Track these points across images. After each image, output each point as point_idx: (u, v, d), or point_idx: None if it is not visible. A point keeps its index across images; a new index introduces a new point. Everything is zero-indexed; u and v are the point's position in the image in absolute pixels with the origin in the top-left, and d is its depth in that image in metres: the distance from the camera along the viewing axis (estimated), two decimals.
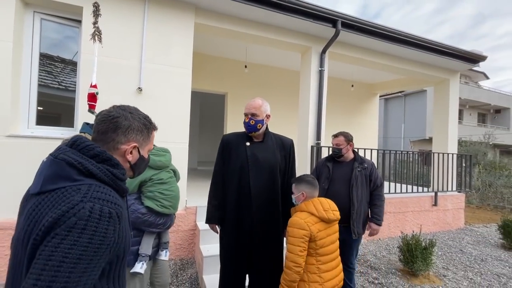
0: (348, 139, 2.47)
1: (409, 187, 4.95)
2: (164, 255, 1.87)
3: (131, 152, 0.91)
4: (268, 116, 1.93)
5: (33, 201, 0.74)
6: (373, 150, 4.53)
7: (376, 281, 3.11)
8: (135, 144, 0.91)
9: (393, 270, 3.40)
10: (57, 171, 0.76)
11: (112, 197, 0.77)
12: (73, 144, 0.81)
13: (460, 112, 20.54)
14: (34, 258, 0.65)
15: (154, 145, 1.95)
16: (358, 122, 7.75)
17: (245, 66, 5.72)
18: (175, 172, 1.93)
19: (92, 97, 2.36)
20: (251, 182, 1.85)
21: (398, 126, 19.31)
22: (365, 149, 4.31)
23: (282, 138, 2.06)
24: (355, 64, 5.24)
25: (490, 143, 13.96)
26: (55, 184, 0.74)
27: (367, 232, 2.57)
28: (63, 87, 3.31)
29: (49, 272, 0.62)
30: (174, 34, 3.45)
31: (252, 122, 1.85)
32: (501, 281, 3.25)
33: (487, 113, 22.52)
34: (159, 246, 1.94)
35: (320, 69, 4.38)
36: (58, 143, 2.91)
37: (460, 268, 3.58)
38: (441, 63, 5.45)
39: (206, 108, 8.92)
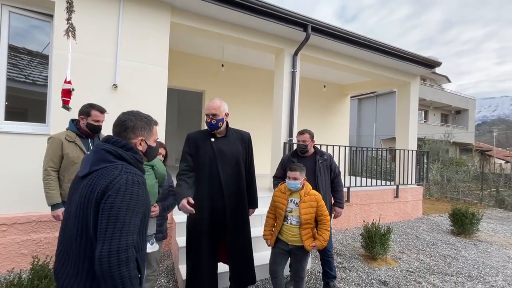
0: (312, 136, 2.76)
1: (374, 181, 5.37)
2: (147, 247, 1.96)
3: (140, 144, 1.24)
4: (227, 115, 2.12)
5: (85, 180, 1.08)
6: (341, 147, 4.88)
7: (340, 266, 3.41)
8: (141, 137, 1.25)
9: (356, 256, 3.74)
10: (100, 157, 1.12)
11: (137, 171, 1.14)
12: (107, 140, 1.18)
13: (426, 113, 22.08)
14: (97, 210, 1.02)
15: None
16: (330, 121, 8.17)
17: (222, 65, 5.84)
18: (153, 167, 2.01)
19: (67, 93, 2.38)
20: (221, 173, 2.04)
21: (370, 125, 20.37)
22: (333, 146, 4.64)
23: (242, 132, 2.28)
24: (326, 66, 5.56)
25: (450, 141, 15.20)
26: (99, 166, 1.09)
27: (332, 215, 2.87)
28: (31, 81, 3.24)
29: (112, 216, 0.99)
30: (149, 32, 3.51)
31: (214, 121, 2.04)
32: (447, 261, 3.70)
33: (449, 114, 24.42)
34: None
35: (292, 70, 4.63)
36: (29, 138, 2.90)
37: (414, 252, 4.01)
38: (403, 68, 5.95)
39: (184, 105, 8.90)
